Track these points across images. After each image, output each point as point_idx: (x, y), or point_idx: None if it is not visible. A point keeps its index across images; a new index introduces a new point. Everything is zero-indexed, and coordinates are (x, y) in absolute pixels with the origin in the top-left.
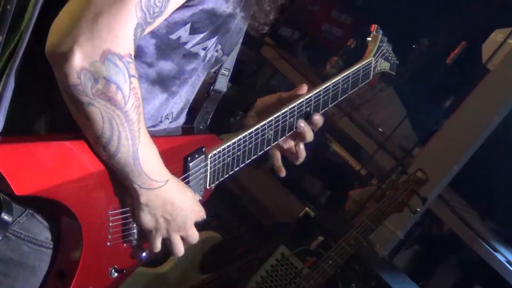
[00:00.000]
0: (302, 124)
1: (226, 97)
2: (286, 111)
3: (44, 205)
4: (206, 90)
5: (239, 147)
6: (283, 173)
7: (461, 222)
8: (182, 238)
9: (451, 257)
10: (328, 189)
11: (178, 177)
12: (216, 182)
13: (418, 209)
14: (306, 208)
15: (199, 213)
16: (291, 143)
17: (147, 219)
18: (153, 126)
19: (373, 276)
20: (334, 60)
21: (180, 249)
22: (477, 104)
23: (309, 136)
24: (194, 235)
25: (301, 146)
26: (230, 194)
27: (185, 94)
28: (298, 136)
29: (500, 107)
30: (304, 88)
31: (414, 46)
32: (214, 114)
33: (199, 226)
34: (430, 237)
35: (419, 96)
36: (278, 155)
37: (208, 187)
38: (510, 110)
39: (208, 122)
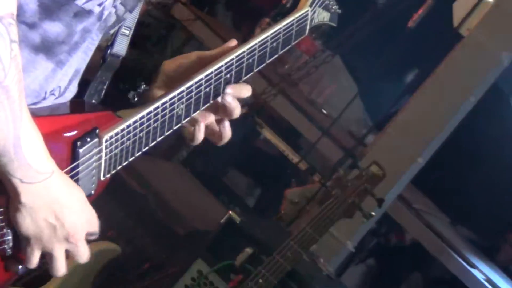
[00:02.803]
0: (229, 95)
1: (124, 63)
2: (201, 79)
3: None
4: (101, 55)
5: (141, 127)
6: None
7: (428, 229)
8: (68, 253)
9: (415, 274)
10: (258, 188)
11: (66, 167)
12: (113, 172)
13: (373, 214)
14: (230, 212)
15: (92, 221)
16: (210, 118)
17: (26, 223)
18: (34, 104)
19: None
20: (265, 23)
21: (62, 266)
22: (447, 79)
23: (237, 111)
24: (84, 252)
25: (226, 123)
26: (132, 194)
27: (76, 62)
28: (221, 110)
29: (476, 83)
30: (233, 42)
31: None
32: (111, 85)
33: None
34: (388, 249)
35: (374, 69)
36: (190, 129)
37: (102, 178)
38: (488, 87)
39: (103, 94)
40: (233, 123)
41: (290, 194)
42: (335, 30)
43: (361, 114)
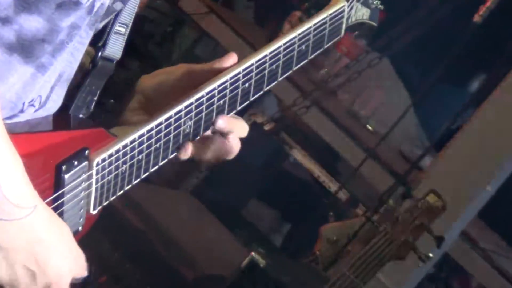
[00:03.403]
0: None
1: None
2: (214, 89)
3: None
4: (91, 58)
5: (140, 148)
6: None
7: (499, 274)
8: None
9: None
10: (287, 223)
11: (47, 197)
12: (105, 203)
13: (431, 255)
14: (252, 253)
15: (79, 264)
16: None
17: (0, 270)
18: (10, 118)
19: None
20: (296, 17)
21: None
22: None
23: (235, 150)
24: None
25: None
26: (129, 230)
27: (61, 66)
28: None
29: None
30: (232, 59)
31: None
32: (102, 95)
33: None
34: None
35: (430, 75)
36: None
37: (92, 211)
38: None
39: (92, 107)
40: (256, 142)
41: (327, 231)
42: (382, 27)
43: (415, 131)
